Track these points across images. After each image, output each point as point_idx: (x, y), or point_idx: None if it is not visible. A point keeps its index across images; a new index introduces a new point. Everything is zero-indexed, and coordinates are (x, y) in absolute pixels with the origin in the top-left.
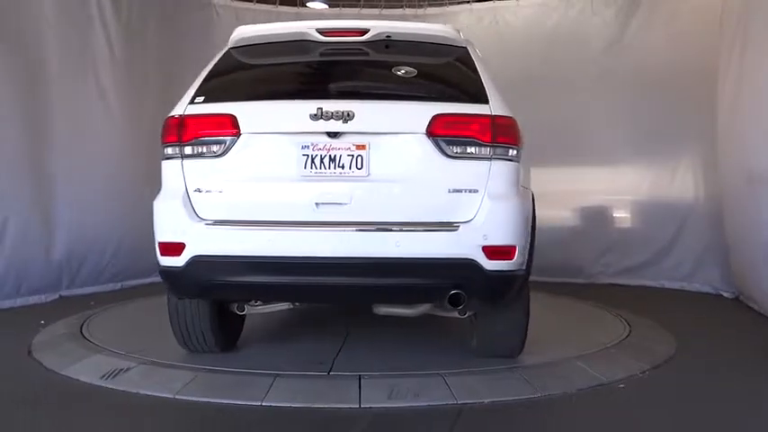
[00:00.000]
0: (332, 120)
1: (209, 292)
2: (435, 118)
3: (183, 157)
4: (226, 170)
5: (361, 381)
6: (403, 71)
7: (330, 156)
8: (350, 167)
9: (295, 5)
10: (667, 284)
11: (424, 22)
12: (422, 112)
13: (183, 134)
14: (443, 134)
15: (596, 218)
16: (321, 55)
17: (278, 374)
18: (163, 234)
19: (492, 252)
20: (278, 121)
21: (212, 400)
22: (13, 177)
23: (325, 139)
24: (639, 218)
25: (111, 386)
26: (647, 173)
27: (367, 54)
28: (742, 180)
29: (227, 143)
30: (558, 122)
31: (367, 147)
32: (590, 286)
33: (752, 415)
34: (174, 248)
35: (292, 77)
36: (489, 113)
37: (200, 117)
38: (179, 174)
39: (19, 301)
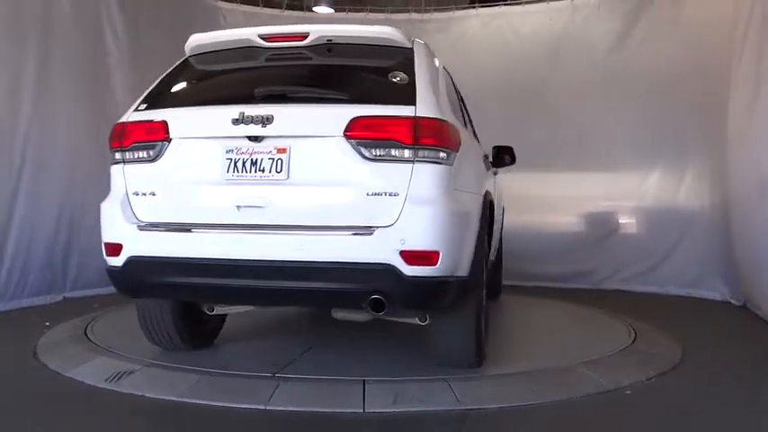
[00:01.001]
0: (252, 124)
1: (145, 291)
2: (354, 120)
3: (125, 162)
4: (158, 174)
5: (366, 385)
6: (331, 74)
7: (252, 159)
8: (270, 171)
9: (302, 10)
10: (674, 291)
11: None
12: (341, 115)
13: (123, 140)
14: (361, 137)
15: (602, 223)
16: (262, 60)
17: (282, 378)
18: (106, 235)
19: (411, 257)
20: (204, 126)
21: (217, 403)
22: (20, 180)
23: (248, 143)
24: (646, 223)
25: (115, 389)
26: (654, 178)
27: (308, 58)
28: (754, 187)
29: (160, 148)
30: (563, 128)
31: (288, 150)
32: (596, 292)
33: (757, 423)
34: (115, 249)
35: (224, 83)
36: (412, 115)
37: (138, 123)
38: (121, 178)
39: (24, 302)
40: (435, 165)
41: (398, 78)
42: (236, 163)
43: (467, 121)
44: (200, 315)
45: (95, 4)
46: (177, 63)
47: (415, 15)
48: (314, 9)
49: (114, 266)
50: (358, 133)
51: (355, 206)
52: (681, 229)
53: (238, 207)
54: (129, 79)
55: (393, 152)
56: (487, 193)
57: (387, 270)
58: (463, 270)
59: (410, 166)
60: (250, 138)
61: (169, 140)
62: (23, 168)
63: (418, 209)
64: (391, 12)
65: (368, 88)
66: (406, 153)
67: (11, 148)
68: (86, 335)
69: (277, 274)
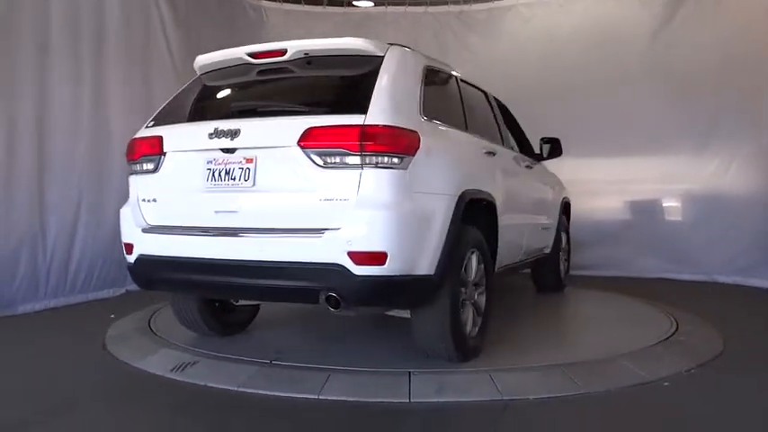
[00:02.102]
0: (223, 137)
1: (153, 285)
2: (307, 131)
3: (135, 172)
4: (158, 183)
5: (411, 377)
6: (300, 86)
7: (226, 169)
8: (239, 179)
9: (342, 5)
10: (720, 279)
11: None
12: (296, 126)
13: (134, 154)
14: (314, 146)
15: (645, 210)
16: (254, 76)
17: (333, 369)
18: (123, 236)
19: (359, 258)
20: (188, 140)
21: (273, 393)
22: (86, 177)
23: (222, 154)
24: (691, 210)
25: (180, 378)
26: (700, 164)
27: (290, 71)
28: None
29: (158, 161)
30: (609, 116)
31: (254, 160)
32: (638, 281)
33: None
34: (128, 248)
35: (212, 100)
36: (360, 123)
37: (143, 139)
38: (134, 186)
39: (90, 296)
40: (384, 170)
41: (359, 87)
42: (213, 173)
43: (465, 123)
44: (225, 305)
45: (146, 9)
46: (189, 82)
47: (453, 8)
48: (354, 4)
49: (129, 263)
50: (310, 143)
51: (310, 211)
52: (728, 215)
53: (216, 212)
54: (179, 83)
55: (342, 160)
56: (478, 193)
57: (337, 270)
58: (424, 269)
59: (359, 172)
60: (223, 150)
61: (164, 154)
62: (84, 176)
63: (365, 212)
64: (430, 5)
65: (328, 99)
66: (355, 160)
67: (74, 158)
68: (150, 327)
69: (245, 272)
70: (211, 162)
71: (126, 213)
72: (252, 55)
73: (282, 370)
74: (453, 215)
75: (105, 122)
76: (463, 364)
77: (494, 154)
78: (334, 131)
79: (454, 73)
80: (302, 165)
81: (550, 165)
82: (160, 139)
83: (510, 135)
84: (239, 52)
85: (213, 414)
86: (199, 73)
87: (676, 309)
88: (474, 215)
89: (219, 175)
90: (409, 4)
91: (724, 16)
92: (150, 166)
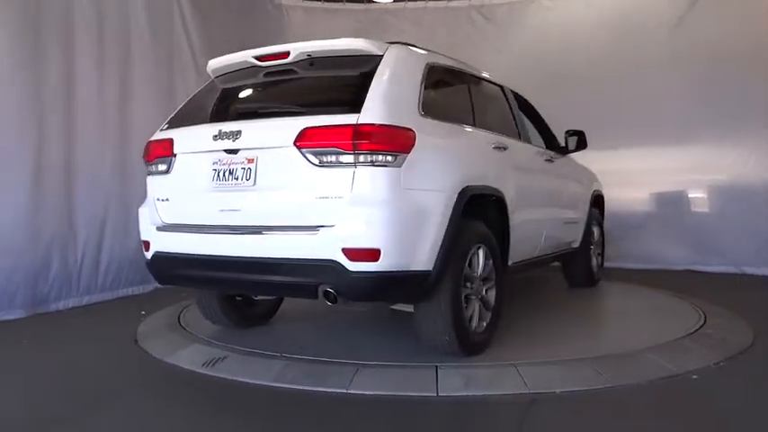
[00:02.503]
0: (226, 139)
1: (169, 280)
2: (303, 131)
3: (151, 173)
4: (171, 183)
5: (438, 370)
6: (301, 87)
7: (230, 169)
8: (242, 179)
9: (362, 2)
10: (749, 271)
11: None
12: (294, 126)
13: (149, 156)
14: (309, 146)
15: (671, 201)
16: (261, 78)
17: (361, 364)
18: (141, 233)
19: (354, 254)
20: (196, 142)
21: (302, 387)
22: (113, 177)
23: (226, 155)
24: (717, 200)
25: (211, 373)
26: (726, 154)
27: (294, 72)
28: None
29: (170, 162)
30: (633, 107)
31: (255, 160)
32: (665, 272)
33: None
34: (146, 245)
35: (219, 102)
36: (354, 122)
37: (157, 142)
38: (150, 186)
39: (120, 293)
40: (378, 168)
41: (355, 87)
42: (219, 173)
43: (473, 118)
44: (246, 299)
45: (169, 10)
46: (204, 85)
47: (474, 2)
48: (374, 0)
49: (147, 260)
50: (306, 143)
51: (307, 209)
52: (757, 206)
53: (221, 211)
54: (202, 83)
55: (337, 158)
56: (483, 189)
57: (332, 266)
58: (422, 264)
59: (352, 170)
60: (226, 150)
61: (175, 155)
62: (113, 177)
63: (359, 210)
64: (450, 0)
65: (326, 99)
66: (349, 158)
67: (101, 158)
68: (180, 323)
69: (248, 268)
70: (217, 163)
71: (143, 212)
72: (258, 58)
73: (311, 365)
74: (453, 211)
75: (129, 123)
76: (487, 359)
77: (505, 149)
78: (328, 131)
79: (465, 69)
80: (299, 164)
81: (580, 157)
82: (171, 141)
83: (528, 129)
84: (247, 55)
85: (244, 409)
86: (212, 76)
87: (704, 301)
88: (480, 210)
89: (224, 175)
90: (430, 0)
91: (751, 4)
92: (163, 167)
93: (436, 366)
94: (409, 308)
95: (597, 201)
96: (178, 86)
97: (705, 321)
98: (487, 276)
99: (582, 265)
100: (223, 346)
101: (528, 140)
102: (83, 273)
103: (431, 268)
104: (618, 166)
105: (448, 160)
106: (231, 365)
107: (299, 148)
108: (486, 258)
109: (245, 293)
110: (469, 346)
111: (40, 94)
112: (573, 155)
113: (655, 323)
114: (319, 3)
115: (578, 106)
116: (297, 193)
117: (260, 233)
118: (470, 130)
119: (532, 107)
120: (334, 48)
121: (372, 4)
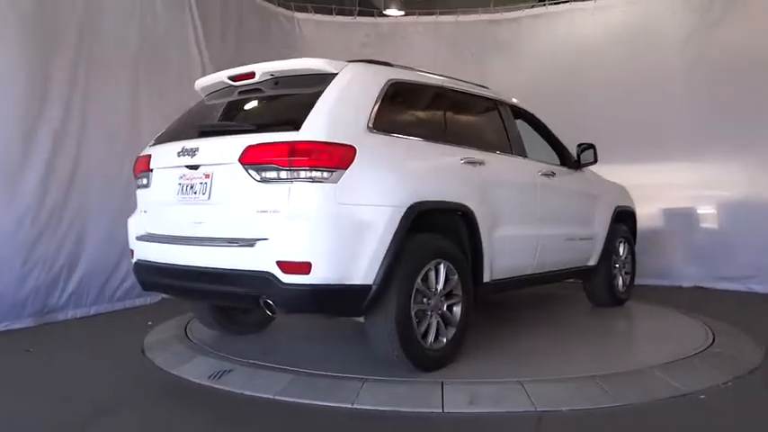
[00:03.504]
0: (187, 156)
1: (148, 286)
2: (247, 148)
3: (138, 186)
4: (149, 196)
5: (444, 387)
6: (259, 106)
7: (191, 184)
8: (200, 193)
9: (373, 15)
10: (757, 289)
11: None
12: (239, 144)
13: (136, 170)
14: (251, 162)
15: (681, 217)
16: (236, 96)
17: (366, 379)
18: (129, 242)
19: (287, 267)
20: (166, 158)
21: (309, 402)
22: (123, 188)
23: (188, 170)
24: (729, 218)
25: (218, 386)
26: (736, 171)
27: (261, 91)
28: None
29: (148, 176)
30: (642, 120)
31: (211, 176)
32: (674, 290)
33: None
34: (132, 253)
35: (192, 120)
36: (291, 140)
37: (142, 157)
38: (137, 199)
39: (127, 303)
40: (312, 183)
41: (304, 105)
42: (183, 187)
43: (444, 133)
44: (235, 307)
45: (182, 23)
46: (196, 104)
47: (484, 16)
48: (385, 12)
49: (132, 267)
50: (248, 159)
51: (248, 222)
52: (766, 224)
53: (186, 222)
54: None
55: (275, 174)
56: (442, 204)
57: (268, 278)
58: (360, 278)
59: (288, 185)
60: (187, 166)
61: (151, 170)
62: (122, 189)
63: (292, 224)
64: (461, 13)
65: (275, 117)
66: (285, 174)
67: (112, 171)
68: (186, 334)
69: (202, 278)
70: (182, 177)
71: (131, 222)
72: (232, 78)
73: (318, 379)
74: (399, 226)
75: (139, 136)
76: (493, 375)
77: (481, 163)
78: (268, 148)
79: (442, 83)
80: (244, 179)
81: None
82: (149, 157)
83: (538, 144)
84: (223, 75)
85: (250, 422)
86: (202, 95)
87: (713, 319)
88: (445, 225)
89: (187, 189)
90: (440, 13)
91: (761, 20)
92: (144, 181)
93: (442, 382)
94: (360, 318)
95: (623, 217)
96: (189, 100)
97: (714, 340)
98: (452, 292)
99: (603, 284)
100: (230, 359)
101: (522, 155)
102: (91, 283)
103: (371, 282)
104: (628, 181)
105: (395, 175)
106: (237, 378)
107: (243, 164)
108: (450, 274)
109: (205, 301)
110: (424, 361)
111: (51, 107)
112: (595, 169)
113: (663, 341)
114: (330, 16)
115: (589, 120)
116: (242, 207)
117: (213, 245)
118: (433, 144)
119: (539, 121)
120: (293, 67)
121: (384, 17)
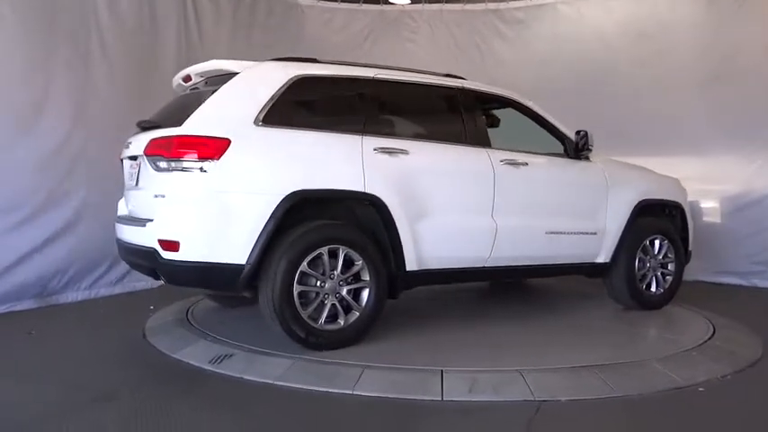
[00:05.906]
0: (126, 148)
1: (124, 261)
2: (150, 142)
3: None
4: (124, 182)
5: (444, 375)
6: (182, 104)
7: (131, 173)
8: (133, 180)
9: (378, 3)
10: (759, 283)
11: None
12: (147, 138)
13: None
14: (150, 154)
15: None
16: (181, 95)
17: (366, 366)
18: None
19: (164, 245)
20: (124, 150)
21: (308, 387)
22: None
23: (131, 161)
24: (732, 212)
25: (219, 370)
26: (741, 166)
27: (197, 90)
28: None
29: (122, 165)
30: (647, 113)
31: (138, 166)
32: None
33: None
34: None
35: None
36: (172, 134)
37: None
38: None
39: (128, 287)
40: (189, 172)
41: (199, 103)
42: (131, 175)
43: (361, 125)
44: None
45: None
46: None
47: (491, 5)
48: (391, 1)
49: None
50: (149, 151)
51: (148, 205)
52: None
53: (131, 205)
54: None
55: (164, 164)
56: (329, 192)
57: (153, 253)
58: (232, 258)
59: (170, 174)
60: (130, 157)
61: (121, 160)
62: (120, 178)
63: (168, 207)
64: (467, 2)
65: (178, 114)
66: (168, 164)
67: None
68: (188, 319)
69: (134, 253)
70: (131, 167)
71: (118, 205)
72: (183, 78)
73: (318, 365)
74: (274, 212)
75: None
76: (493, 363)
77: (404, 152)
78: (158, 142)
79: (378, 75)
80: (149, 169)
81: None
82: (125, 146)
83: (486, 131)
84: (178, 77)
85: (249, 407)
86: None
87: (714, 313)
88: (342, 213)
89: (132, 176)
90: (446, 2)
91: None
92: (121, 168)
93: (442, 371)
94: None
95: (642, 211)
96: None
97: (714, 333)
98: (356, 277)
99: (621, 284)
100: (231, 344)
101: (482, 144)
102: (94, 266)
103: (243, 262)
104: None
105: (274, 165)
106: (238, 363)
107: (146, 155)
108: (354, 259)
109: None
110: (313, 341)
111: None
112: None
113: (663, 334)
114: (336, 3)
115: (593, 111)
116: (146, 192)
117: (135, 225)
118: (334, 135)
119: (531, 110)
120: (209, 68)
121: (389, 5)
